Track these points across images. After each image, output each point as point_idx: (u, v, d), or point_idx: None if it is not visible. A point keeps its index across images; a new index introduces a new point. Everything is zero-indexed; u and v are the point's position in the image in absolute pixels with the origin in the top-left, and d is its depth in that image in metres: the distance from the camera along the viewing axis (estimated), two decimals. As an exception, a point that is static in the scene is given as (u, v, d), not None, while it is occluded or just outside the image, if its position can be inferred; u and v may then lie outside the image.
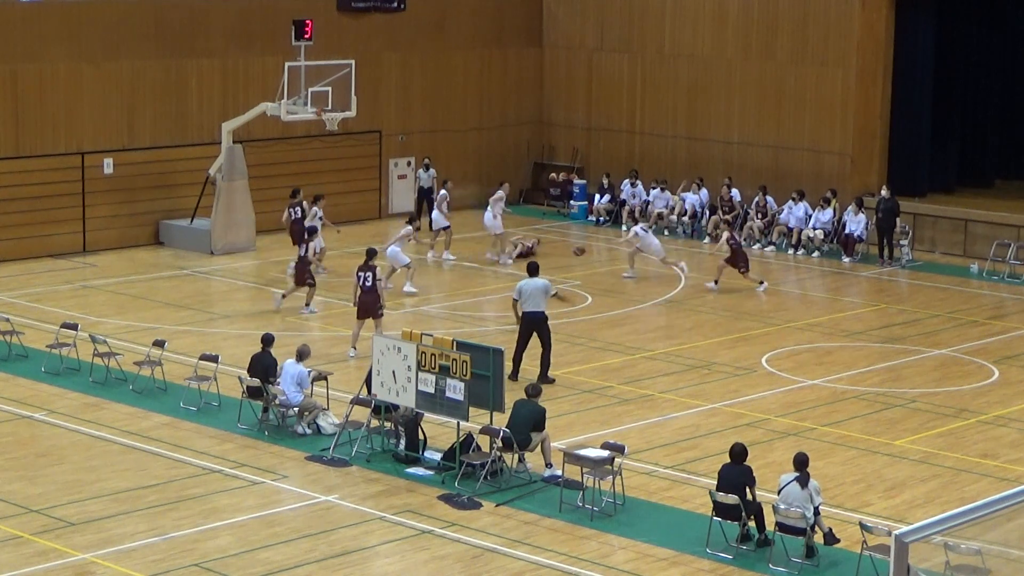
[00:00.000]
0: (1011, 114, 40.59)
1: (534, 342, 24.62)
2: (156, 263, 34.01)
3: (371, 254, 26.96)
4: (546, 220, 40.09)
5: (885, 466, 21.04)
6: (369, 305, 26.39)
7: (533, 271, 25.03)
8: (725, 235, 32.35)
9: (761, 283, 31.81)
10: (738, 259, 31.68)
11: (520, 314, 24.72)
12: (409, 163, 40.74)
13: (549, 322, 24.82)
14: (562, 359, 26.25)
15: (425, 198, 38.36)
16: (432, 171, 38.70)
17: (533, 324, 24.56)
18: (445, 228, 34.83)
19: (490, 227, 34.84)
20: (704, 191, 38.65)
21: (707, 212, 38.33)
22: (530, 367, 25.27)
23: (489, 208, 34.99)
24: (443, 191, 35.66)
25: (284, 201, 37.78)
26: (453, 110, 41.46)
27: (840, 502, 19.41)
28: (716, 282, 31.83)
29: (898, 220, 35.33)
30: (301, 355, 21.98)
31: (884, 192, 35.42)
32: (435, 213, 35.20)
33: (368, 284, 26.36)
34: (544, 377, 24.21)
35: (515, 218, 39.00)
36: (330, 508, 19.12)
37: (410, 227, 31.91)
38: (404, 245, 31.60)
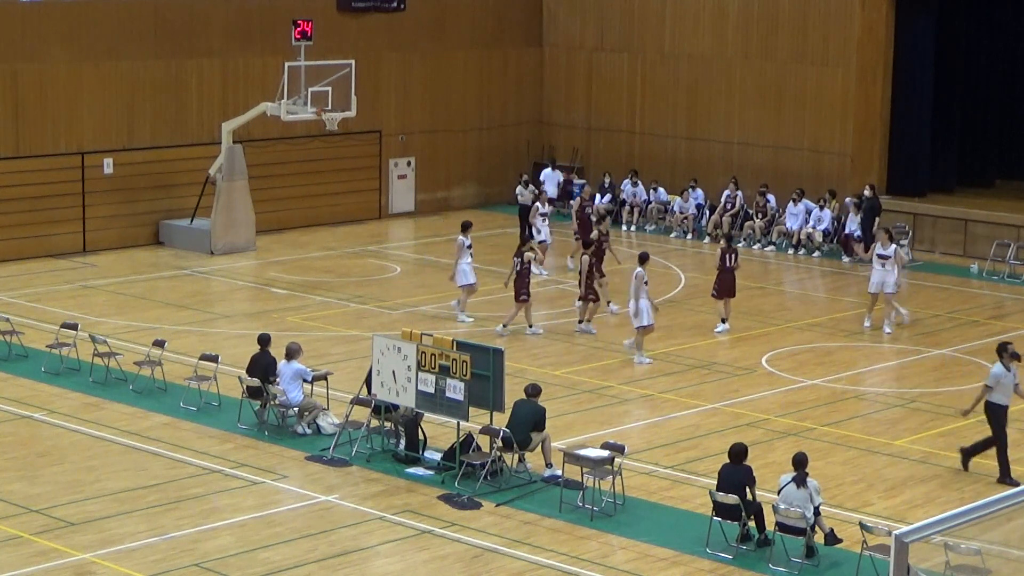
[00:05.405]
0: (1011, 114, 40.57)
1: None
2: (156, 263, 33.99)
3: (524, 241, 27.82)
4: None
5: (885, 466, 21.03)
6: (517, 289, 27.62)
7: (1001, 352, 21.14)
8: (721, 247, 28.85)
9: (723, 321, 28.42)
10: (723, 283, 28.62)
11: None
12: (409, 163, 40.72)
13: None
14: (562, 359, 26.27)
15: (525, 215, 35.48)
16: (532, 187, 36.07)
17: (996, 415, 20.88)
18: (540, 242, 33.30)
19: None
20: (700, 191, 38.61)
21: (707, 212, 38.36)
22: (535, 369, 25.29)
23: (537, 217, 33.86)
24: (537, 204, 34.03)
25: (283, 201, 37.93)
26: (453, 110, 41.44)
27: (840, 502, 19.41)
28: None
29: (877, 219, 34.72)
30: (291, 353, 21.97)
31: (867, 191, 35.32)
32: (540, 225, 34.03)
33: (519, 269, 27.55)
34: (1007, 477, 20.52)
35: (515, 218, 38.89)
36: (330, 508, 19.11)
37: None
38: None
